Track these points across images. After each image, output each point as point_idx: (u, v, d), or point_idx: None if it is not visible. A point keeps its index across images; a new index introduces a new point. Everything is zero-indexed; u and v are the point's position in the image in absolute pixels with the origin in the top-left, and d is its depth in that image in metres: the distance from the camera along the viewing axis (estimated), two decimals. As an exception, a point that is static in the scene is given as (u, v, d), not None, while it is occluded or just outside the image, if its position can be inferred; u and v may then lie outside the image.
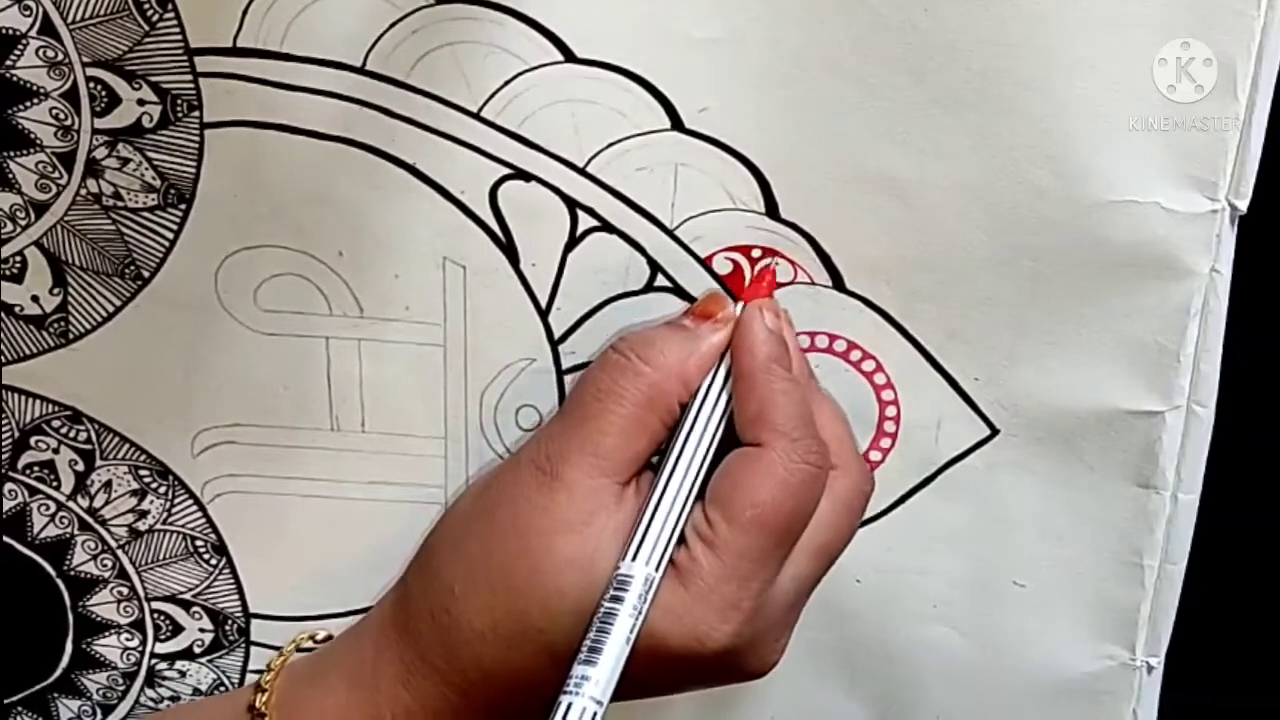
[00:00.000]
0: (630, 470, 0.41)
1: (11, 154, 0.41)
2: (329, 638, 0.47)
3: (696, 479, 0.41)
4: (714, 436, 0.41)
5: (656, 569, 0.39)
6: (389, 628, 0.44)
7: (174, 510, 0.47)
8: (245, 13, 0.39)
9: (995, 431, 0.45)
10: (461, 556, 0.42)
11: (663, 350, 0.41)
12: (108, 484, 0.46)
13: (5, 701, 0.49)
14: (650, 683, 0.41)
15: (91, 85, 0.40)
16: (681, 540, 0.40)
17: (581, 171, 0.42)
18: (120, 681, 0.49)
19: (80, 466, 0.46)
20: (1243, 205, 0.41)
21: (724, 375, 0.41)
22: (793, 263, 0.43)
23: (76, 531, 0.47)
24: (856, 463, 0.43)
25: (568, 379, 0.45)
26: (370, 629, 0.45)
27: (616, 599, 0.39)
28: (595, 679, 0.38)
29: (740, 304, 0.42)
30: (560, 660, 0.39)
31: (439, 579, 0.43)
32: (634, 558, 0.39)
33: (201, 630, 0.48)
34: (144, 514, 0.47)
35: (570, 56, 0.40)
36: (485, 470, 0.45)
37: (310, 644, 0.48)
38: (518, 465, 0.42)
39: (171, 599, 0.48)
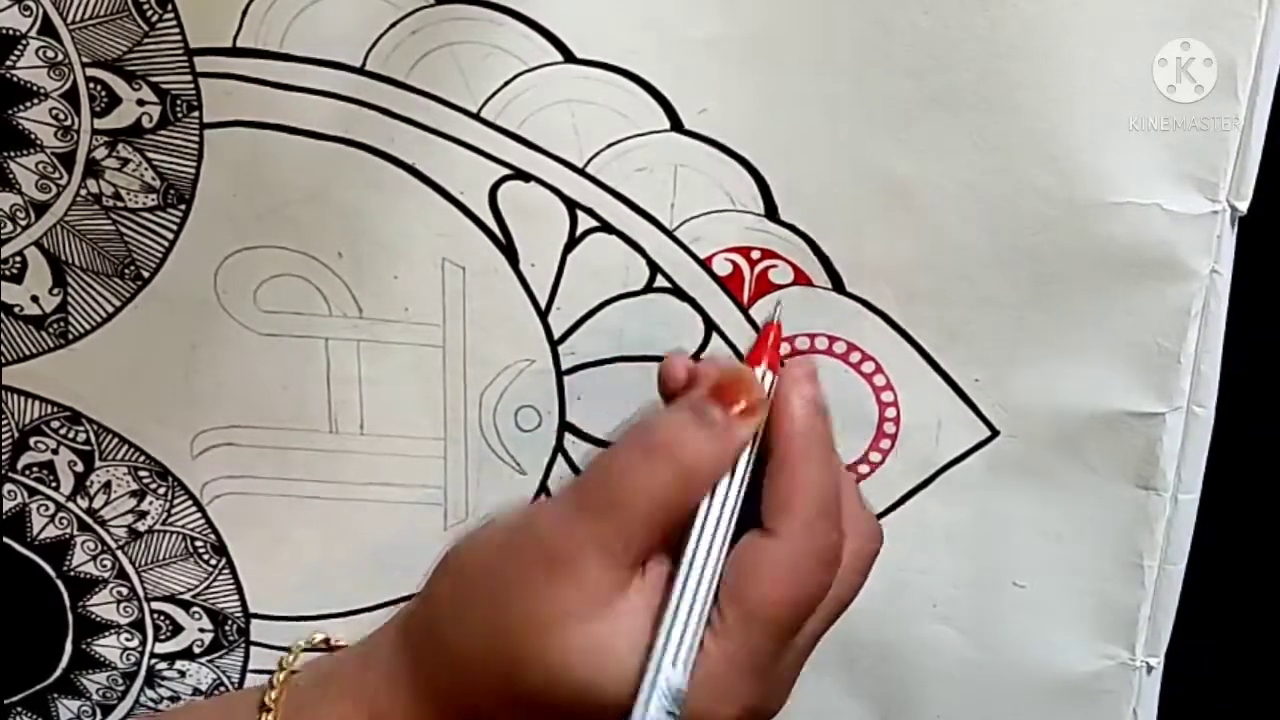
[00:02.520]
0: (639, 559, 0.39)
1: (12, 154, 0.41)
2: (326, 640, 0.47)
3: (716, 571, 0.39)
4: (729, 527, 0.39)
5: (685, 670, 0.38)
6: (398, 664, 0.42)
7: (173, 511, 0.47)
8: (245, 13, 0.39)
9: (995, 432, 0.45)
10: (470, 621, 0.40)
11: (692, 450, 0.38)
12: (107, 485, 0.46)
13: (5, 702, 0.49)
14: None
15: (91, 85, 0.40)
16: None
17: (581, 172, 0.42)
18: (120, 682, 0.49)
19: (80, 467, 0.46)
20: (1243, 206, 0.41)
21: (740, 470, 0.39)
22: (792, 264, 0.43)
23: (76, 532, 0.47)
24: (864, 523, 0.41)
25: (567, 379, 0.45)
26: (378, 657, 0.43)
27: (674, 714, 0.37)
28: None
29: (764, 371, 0.40)
30: None
31: (447, 638, 0.41)
32: (674, 663, 0.37)
33: (201, 630, 0.48)
34: (143, 515, 0.47)
35: (570, 57, 0.40)
36: (472, 525, 0.45)
37: (312, 648, 0.47)
38: (520, 552, 0.39)
39: (171, 599, 0.48)
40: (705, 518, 0.39)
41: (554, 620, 0.38)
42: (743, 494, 0.39)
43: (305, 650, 0.47)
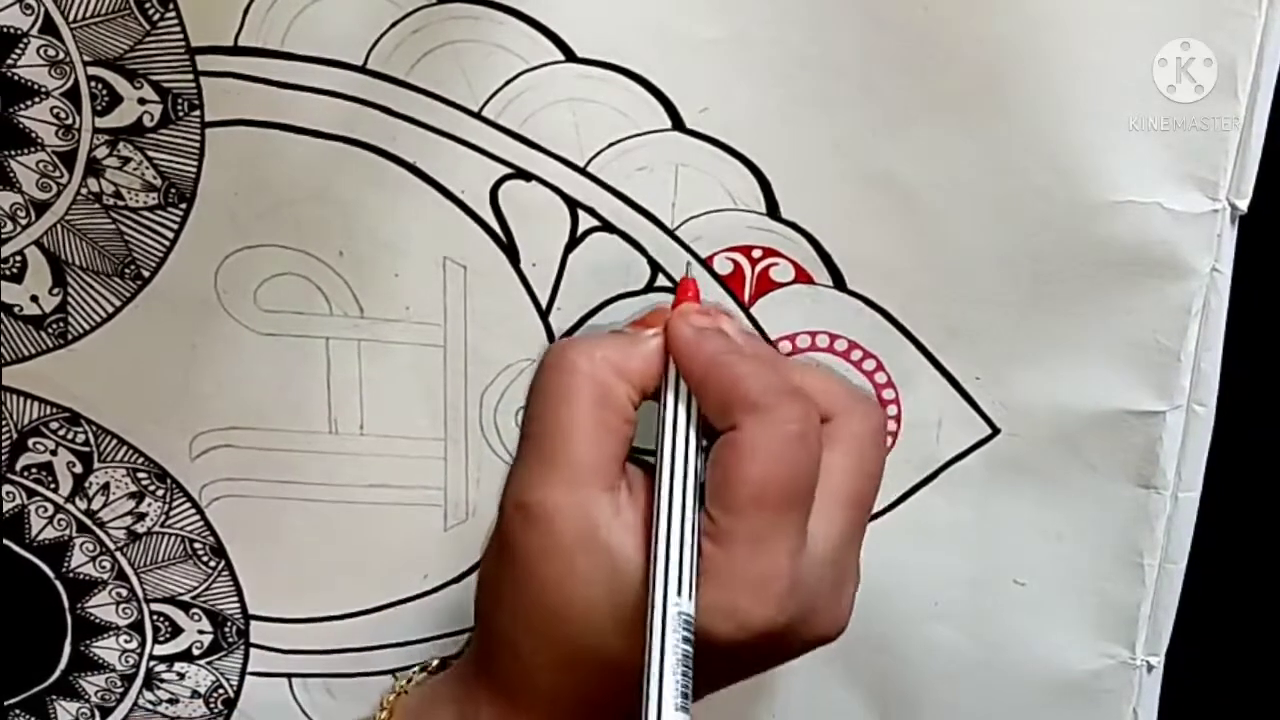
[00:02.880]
0: (609, 473, 0.40)
1: (12, 153, 0.41)
2: (440, 663, 0.48)
3: (695, 486, 0.40)
4: (697, 442, 0.40)
5: (690, 597, 0.38)
6: (474, 672, 0.44)
7: (172, 512, 0.46)
8: (246, 12, 0.39)
9: (996, 431, 0.45)
10: (502, 605, 0.42)
11: (599, 349, 0.41)
12: (106, 486, 0.46)
13: (4, 704, 0.49)
14: (715, 677, 0.41)
15: (92, 84, 0.40)
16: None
17: (582, 171, 0.42)
18: (119, 684, 0.49)
19: (78, 468, 0.46)
20: (1243, 205, 0.41)
21: (682, 389, 0.41)
22: (794, 263, 0.43)
23: (75, 533, 0.47)
24: (858, 402, 0.42)
25: (568, 379, 0.45)
26: (462, 673, 0.46)
27: (689, 640, 0.38)
28: None
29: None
30: (621, 671, 0.39)
31: (494, 629, 0.43)
32: (680, 591, 0.38)
33: (200, 632, 0.48)
34: (142, 516, 0.46)
35: (571, 56, 0.40)
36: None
37: (420, 676, 0.48)
38: (503, 511, 0.42)
39: (170, 600, 0.48)
40: (666, 439, 0.40)
41: (554, 558, 0.39)
42: (699, 429, 0.40)
43: (422, 673, 0.48)
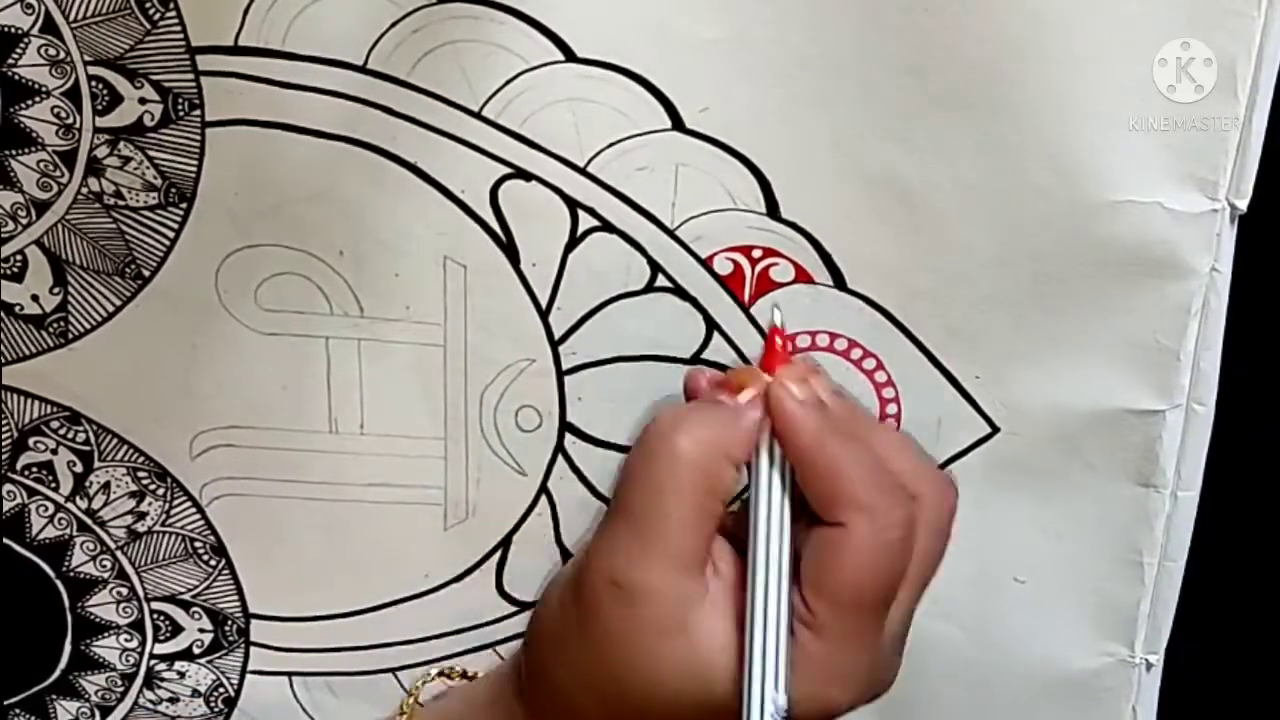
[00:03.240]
0: (703, 557, 0.40)
1: (13, 152, 0.41)
2: (463, 673, 0.48)
3: (786, 569, 0.39)
4: (787, 519, 0.40)
5: (786, 690, 0.38)
6: (519, 710, 0.44)
7: (172, 512, 0.46)
8: (247, 11, 0.39)
9: (996, 429, 0.45)
10: (566, 660, 0.42)
11: (708, 431, 0.39)
12: (106, 485, 0.46)
13: (4, 703, 0.49)
14: None
15: (93, 84, 0.40)
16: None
17: (582, 171, 0.42)
18: (119, 683, 0.49)
19: (79, 467, 0.46)
20: (1243, 205, 0.41)
21: (775, 455, 0.40)
22: (794, 262, 0.43)
23: (75, 532, 0.47)
24: (934, 482, 0.41)
25: (568, 379, 0.45)
26: (497, 708, 0.45)
27: None
28: None
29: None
30: None
31: (551, 680, 0.42)
32: (776, 686, 0.38)
33: (201, 631, 0.48)
34: (142, 515, 0.46)
35: (571, 56, 0.40)
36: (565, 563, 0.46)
37: (434, 680, 0.48)
38: (591, 578, 0.40)
39: (171, 599, 0.48)
40: (761, 524, 0.39)
41: (643, 639, 0.39)
42: (789, 500, 0.40)
43: (431, 680, 0.48)
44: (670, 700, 0.39)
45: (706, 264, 0.43)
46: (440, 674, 0.48)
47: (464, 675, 0.48)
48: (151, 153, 0.41)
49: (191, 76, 0.40)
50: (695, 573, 0.39)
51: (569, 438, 0.45)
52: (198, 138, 0.41)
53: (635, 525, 0.39)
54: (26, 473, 0.46)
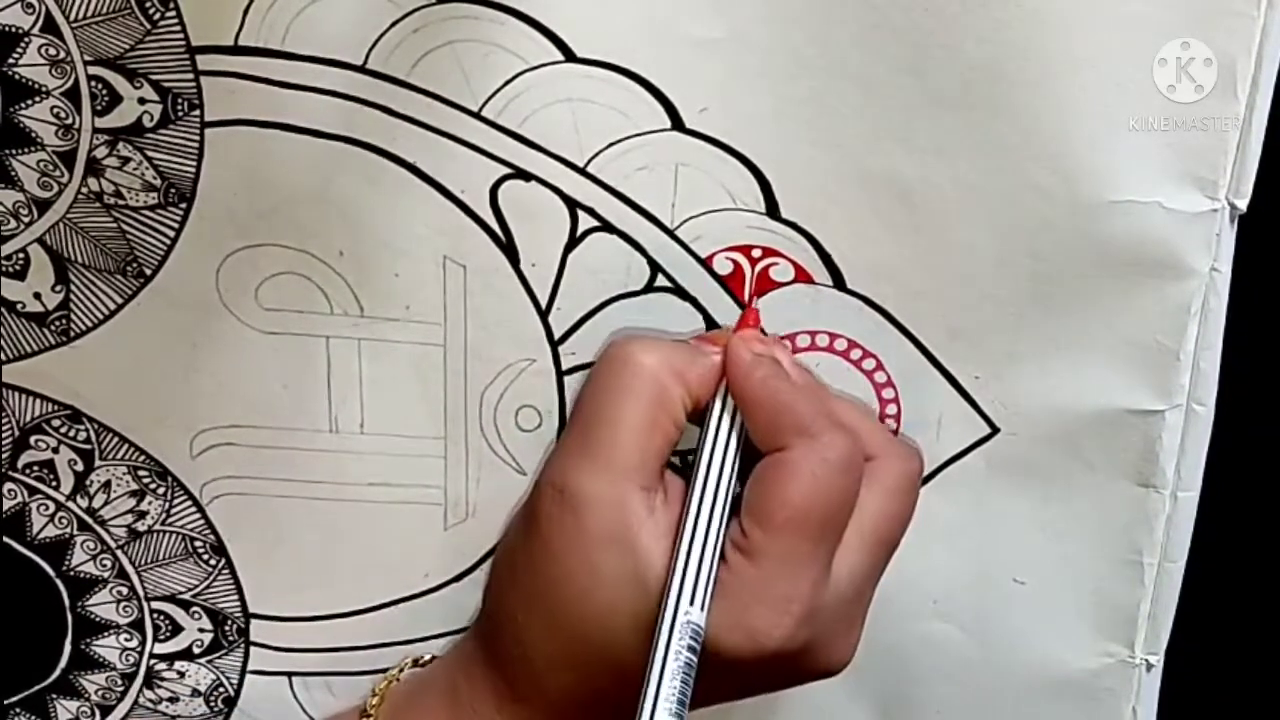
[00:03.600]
0: (650, 472, 0.40)
1: (13, 152, 0.41)
2: (433, 659, 0.48)
3: (725, 503, 0.40)
4: (734, 460, 0.41)
5: (703, 608, 0.39)
6: (476, 656, 0.44)
7: (173, 511, 0.46)
8: (247, 11, 0.39)
9: (995, 430, 0.45)
10: (516, 587, 0.42)
11: (663, 351, 0.41)
12: (107, 484, 0.46)
13: (4, 702, 0.49)
14: (718, 691, 0.41)
15: (93, 84, 0.40)
16: (722, 556, 0.40)
17: (582, 171, 0.42)
18: (119, 682, 0.49)
19: (80, 466, 0.46)
20: (1242, 204, 0.41)
21: (729, 404, 0.41)
22: (793, 262, 0.43)
23: (76, 531, 0.47)
24: (895, 446, 0.43)
25: (568, 379, 0.45)
26: (462, 655, 0.46)
27: (694, 650, 0.38)
28: None
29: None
30: (629, 675, 0.39)
31: (504, 610, 0.43)
32: (693, 601, 0.38)
33: (201, 630, 0.48)
34: (143, 515, 0.47)
35: (571, 56, 0.40)
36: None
37: (410, 668, 0.48)
38: (540, 490, 0.42)
39: (171, 599, 0.48)
40: (706, 451, 0.40)
41: (584, 549, 0.40)
42: (741, 447, 0.41)
43: (414, 666, 0.48)
44: (606, 611, 0.40)
45: (706, 264, 0.43)
46: (415, 663, 0.48)
47: (415, 663, 0.49)
48: (150, 153, 0.41)
49: (191, 76, 0.40)
50: (639, 487, 0.40)
51: (569, 438, 0.45)
52: (197, 138, 0.41)
53: (585, 432, 0.41)
54: (27, 471, 0.46)
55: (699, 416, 0.42)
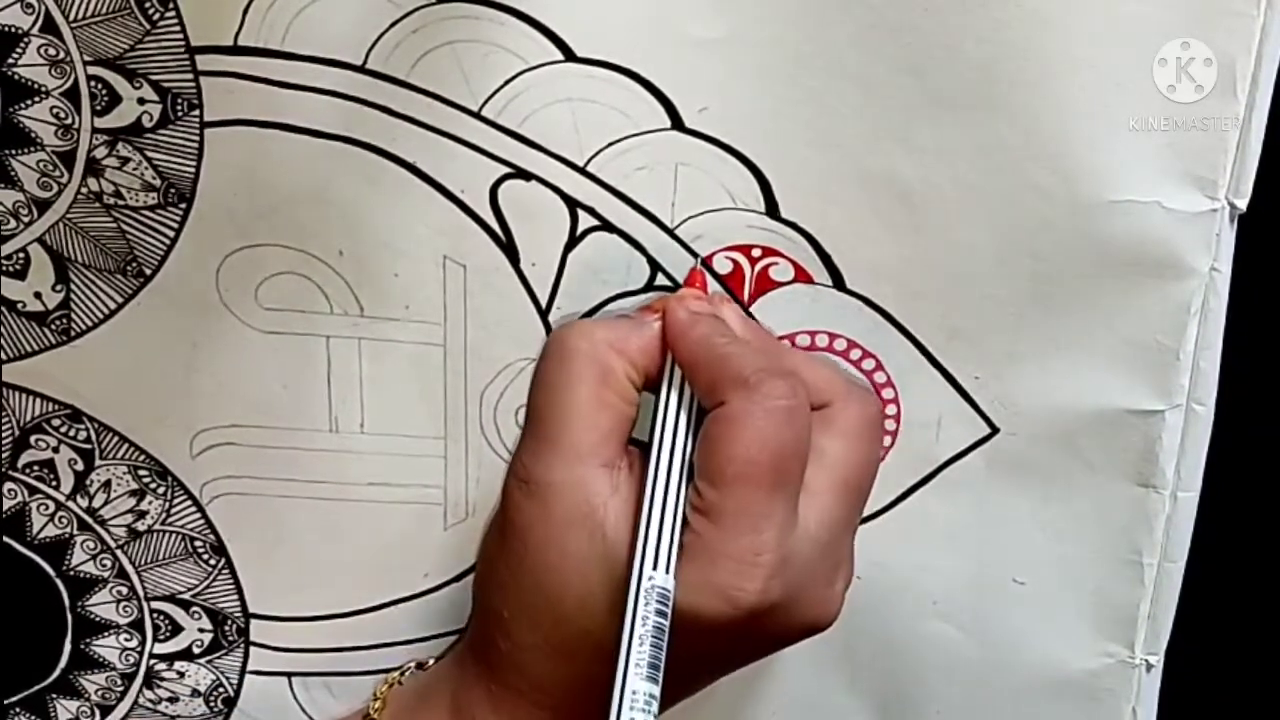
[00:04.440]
0: (608, 450, 0.40)
1: (13, 152, 0.41)
2: (435, 661, 0.48)
3: (683, 467, 0.40)
4: (689, 425, 0.41)
5: (668, 570, 0.39)
6: (470, 660, 0.44)
7: (173, 511, 0.46)
8: (246, 11, 0.39)
9: (995, 430, 0.45)
10: (497, 583, 0.43)
11: (599, 330, 0.41)
12: (107, 484, 0.46)
13: (4, 702, 0.49)
14: (706, 660, 0.41)
15: (92, 84, 0.40)
16: (685, 521, 0.39)
17: (582, 171, 0.42)
18: (119, 682, 0.49)
19: (80, 466, 0.46)
20: (1242, 204, 0.41)
21: (678, 371, 0.41)
22: (793, 262, 0.43)
23: (76, 531, 0.47)
24: (854, 390, 0.42)
25: (568, 379, 0.45)
26: (459, 660, 0.46)
27: (663, 613, 0.38)
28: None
29: None
30: (613, 658, 0.38)
31: (489, 608, 0.43)
32: (656, 565, 0.38)
33: (201, 630, 0.48)
34: (143, 514, 0.47)
35: (571, 56, 0.40)
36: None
37: (410, 669, 0.48)
38: (507, 486, 0.42)
39: (171, 599, 0.48)
40: (659, 417, 0.40)
41: (552, 536, 0.40)
42: (694, 412, 0.41)
43: (418, 669, 0.48)
44: (582, 593, 0.40)
45: (706, 263, 0.43)
46: (419, 665, 0.48)
47: (420, 666, 0.49)
48: (150, 153, 0.41)
49: (190, 76, 0.40)
50: (598, 466, 0.40)
51: (569, 437, 0.45)
52: (196, 138, 0.41)
53: (537, 424, 0.41)
54: (28, 471, 0.46)
55: (654, 386, 0.42)
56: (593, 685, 0.40)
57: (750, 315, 0.44)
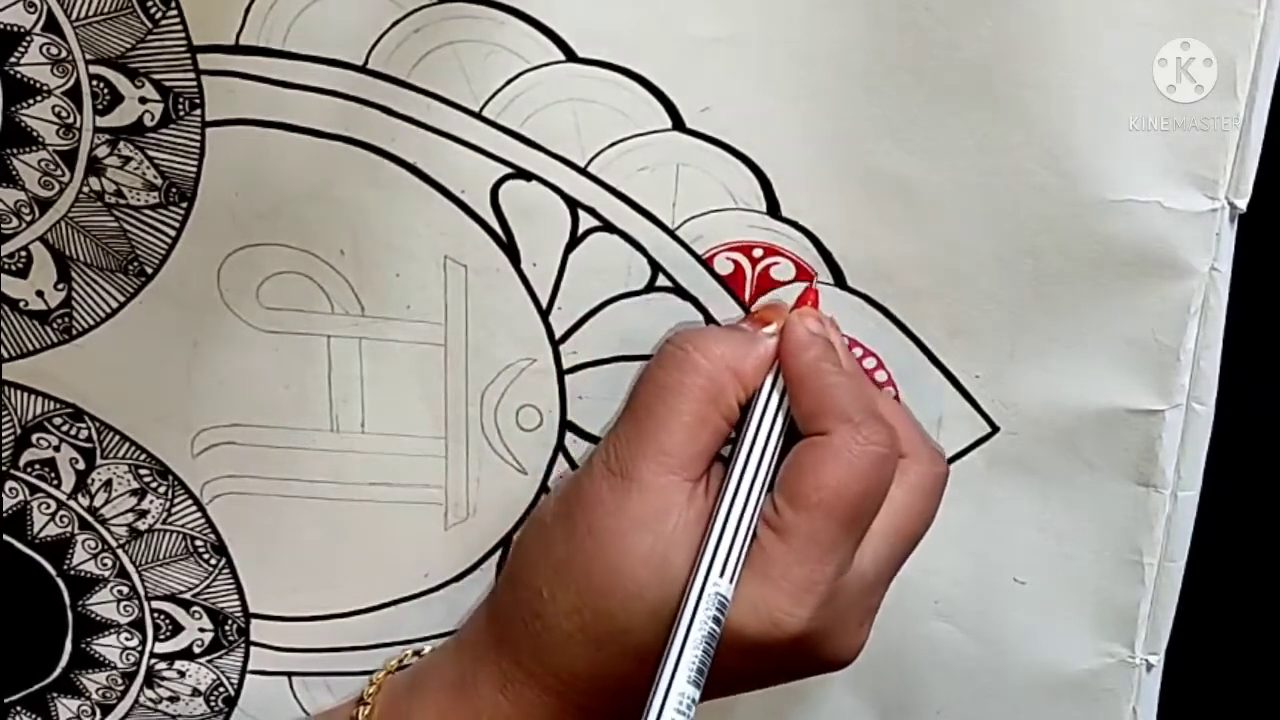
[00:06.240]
0: (698, 466, 0.41)
1: (15, 151, 0.41)
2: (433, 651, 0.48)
3: (765, 482, 0.41)
4: (777, 441, 0.41)
5: (732, 580, 0.39)
6: (484, 637, 0.44)
7: (173, 510, 0.46)
8: (248, 11, 0.39)
9: (996, 429, 0.45)
10: (548, 560, 0.42)
11: (720, 346, 0.41)
12: (108, 483, 0.46)
13: (4, 701, 0.49)
14: (732, 675, 0.41)
15: (94, 83, 0.40)
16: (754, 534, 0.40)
17: (583, 171, 0.42)
18: (119, 681, 0.49)
19: (81, 465, 0.46)
20: (1242, 204, 0.41)
21: (780, 383, 0.41)
22: (795, 261, 0.43)
23: (77, 530, 0.47)
24: (926, 448, 0.43)
25: (568, 379, 0.45)
26: (466, 639, 0.46)
27: (718, 620, 0.39)
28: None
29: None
30: (645, 660, 0.39)
31: (528, 584, 0.43)
32: (723, 574, 0.39)
33: (201, 630, 0.48)
34: (144, 514, 0.47)
35: (572, 56, 0.40)
36: (559, 479, 0.46)
37: (411, 660, 0.48)
38: (590, 469, 0.42)
39: (171, 598, 0.48)
40: (753, 433, 0.41)
41: (620, 530, 0.40)
42: (786, 427, 0.41)
43: (413, 656, 0.48)
44: (632, 592, 0.40)
45: (707, 263, 0.43)
46: (416, 654, 0.48)
47: (417, 655, 0.49)
48: (151, 152, 0.41)
49: (192, 76, 0.40)
50: (684, 477, 0.41)
51: (570, 437, 0.45)
52: (198, 137, 0.41)
53: (638, 420, 0.41)
54: (29, 470, 0.46)
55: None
56: (612, 681, 0.41)
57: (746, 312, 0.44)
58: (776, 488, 0.40)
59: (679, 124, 0.41)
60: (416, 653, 0.48)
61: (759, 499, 0.40)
